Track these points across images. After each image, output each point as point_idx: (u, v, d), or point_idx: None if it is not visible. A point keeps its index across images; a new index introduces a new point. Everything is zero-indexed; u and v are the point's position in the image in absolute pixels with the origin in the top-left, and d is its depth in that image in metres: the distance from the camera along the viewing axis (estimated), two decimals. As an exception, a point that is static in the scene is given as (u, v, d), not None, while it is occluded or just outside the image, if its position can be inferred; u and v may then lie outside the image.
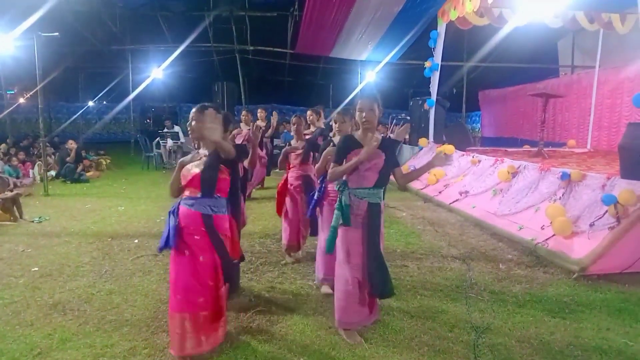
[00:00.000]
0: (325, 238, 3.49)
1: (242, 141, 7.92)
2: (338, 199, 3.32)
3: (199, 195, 2.97)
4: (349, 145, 3.24)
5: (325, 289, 4.05)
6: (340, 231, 3.26)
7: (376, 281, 3.15)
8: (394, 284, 4.19)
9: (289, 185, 5.05)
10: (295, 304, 3.89)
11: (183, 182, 3.02)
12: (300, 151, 4.99)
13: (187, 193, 3.02)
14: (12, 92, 19.75)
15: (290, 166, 5.12)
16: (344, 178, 3.31)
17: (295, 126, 5.12)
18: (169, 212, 3.04)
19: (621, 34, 9.87)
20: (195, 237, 2.95)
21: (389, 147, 3.28)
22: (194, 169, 2.99)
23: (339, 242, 3.28)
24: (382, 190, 3.31)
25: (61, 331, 3.34)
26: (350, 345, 3.17)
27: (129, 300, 3.92)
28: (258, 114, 9.34)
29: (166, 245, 2.98)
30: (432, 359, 3.01)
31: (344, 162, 3.22)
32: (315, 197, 4.11)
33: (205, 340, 2.95)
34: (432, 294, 4.11)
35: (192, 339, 2.91)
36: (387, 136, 3.59)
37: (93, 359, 2.98)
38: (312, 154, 5.04)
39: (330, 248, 3.39)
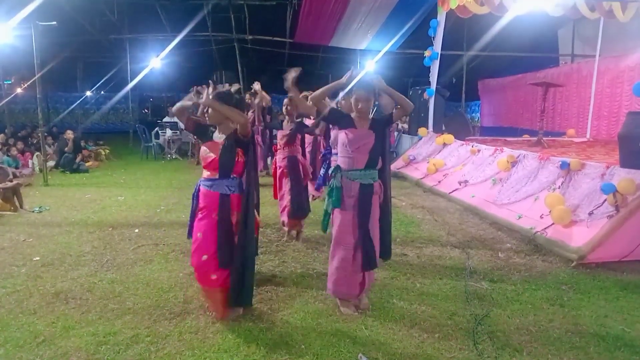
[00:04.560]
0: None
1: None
2: (330, 183, 3.53)
3: (217, 176, 3.23)
4: (344, 118, 3.49)
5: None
6: (334, 213, 3.48)
7: (364, 258, 3.39)
8: (394, 273, 4.27)
9: (277, 168, 5.19)
10: (296, 292, 3.91)
11: (203, 163, 3.29)
12: (287, 132, 5.06)
13: (206, 174, 3.29)
14: (10, 81, 19.66)
15: (277, 148, 5.17)
16: (337, 162, 3.52)
17: (285, 107, 5.12)
18: (192, 195, 3.39)
19: (622, 23, 9.82)
20: (213, 215, 3.20)
21: (378, 126, 3.45)
22: (213, 151, 3.22)
23: (334, 223, 3.50)
24: (375, 171, 3.46)
25: (64, 319, 3.37)
26: (350, 333, 3.20)
27: (130, 289, 3.94)
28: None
29: (189, 234, 3.37)
30: (432, 346, 3.04)
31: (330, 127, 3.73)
32: (322, 173, 4.25)
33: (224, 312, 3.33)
34: (431, 282, 4.14)
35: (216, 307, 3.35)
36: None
37: (96, 347, 3.01)
38: (299, 135, 5.19)
39: (325, 228, 3.66)
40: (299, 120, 5.18)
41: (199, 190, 3.32)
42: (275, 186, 5.38)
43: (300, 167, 5.15)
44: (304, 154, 5.42)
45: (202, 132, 3.40)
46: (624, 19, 9.58)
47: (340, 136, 3.48)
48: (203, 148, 3.30)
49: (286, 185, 5.15)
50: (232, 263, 3.21)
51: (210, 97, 3.16)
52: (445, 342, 3.08)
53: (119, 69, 17.60)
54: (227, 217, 3.22)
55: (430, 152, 9.97)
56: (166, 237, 5.49)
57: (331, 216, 3.54)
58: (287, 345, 3.05)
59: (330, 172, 3.59)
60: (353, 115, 3.49)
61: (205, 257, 3.20)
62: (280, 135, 5.16)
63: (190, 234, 3.38)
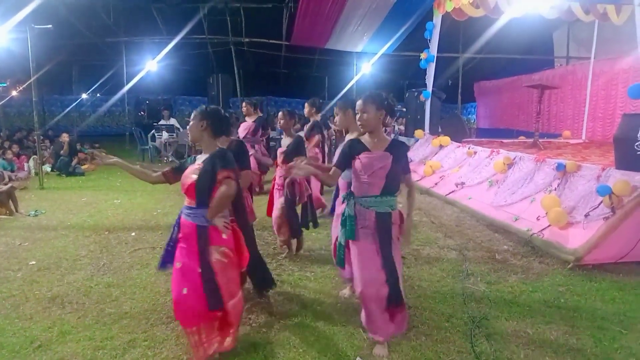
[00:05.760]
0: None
1: (246, 134, 7.88)
2: (342, 211, 3.10)
3: (194, 205, 2.80)
4: (354, 148, 3.02)
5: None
6: (351, 245, 3.03)
7: (390, 293, 2.91)
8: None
9: (275, 185, 4.99)
10: (293, 296, 3.91)
11: (182, 190, 2.87)
12: (284, 149, 4.86)
13: (186, 202, 2.87)
14: (5, 84, 19.58)
15: (277, 164, 5.05)
16: (350, 188, 3.11)
17: (281, 122, 4.96)
18: (175, 222, 2.95)
19: (616, 25, 9.87)
20: (194, 244, 2.79)
21: (397, 150, 2.99)
22: (191, 175, 2.81)
23: (353, 257, 3.03)
24: (393, 198, 3.00)
25: (60, 324, 3.35)
26: (348, 336, 3.20)
27: (127, 293, 3.93)
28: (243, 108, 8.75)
29: (162, 265, 2.97)
30: (430, 349, 3.04)
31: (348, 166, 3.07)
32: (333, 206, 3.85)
33: (203, 352, 2.80)
34: (429, 284, 4.15)
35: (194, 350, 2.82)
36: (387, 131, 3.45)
37: (93, 352, 2.99)
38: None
39: (340, 263, 3.22)
40: (297, 135, 5.00)
41: (180, 217, 2.90)
42: (270, 202, 5.09)
43: (297, 187, 4.78)
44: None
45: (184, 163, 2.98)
46: (618, 22, 9.62)
47: (355, 163, 3.00)
48: (185, 172, 2.88)
49: (275, 202, 4.92)
50: (221, 305, 2.76)
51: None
52: (443, 345, 3.09)
53: (115, 71, 17.53)
54: (205, 254, 2.74)
55: (427, 154, 9.98)
56: (163, 240, 5.46)
57: (345, 250, 3.12)
58: (285, 348, 3.05)
59: (342, 197, 3.19)
60: (364, 137, 3.07)
61: (185, 290, 2.72)
62: (279, 152, 4.93)
63: (161, 265, 2.98)
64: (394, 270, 2.92)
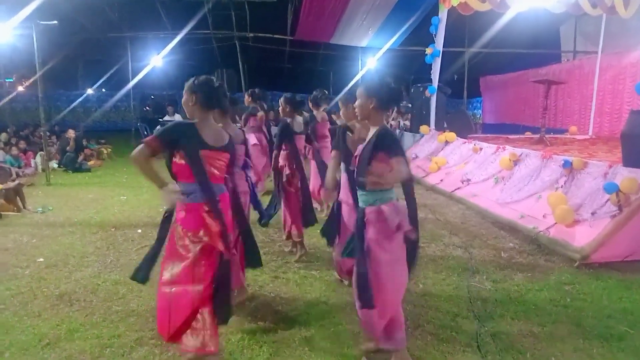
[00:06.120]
0: None
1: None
2: None
3: None
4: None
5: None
6: None
7: (362, 304, 2.64)
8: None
9: None
10: (299, 293, 3.92)
11: None
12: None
13: None
14: (11, 80, 19.67)
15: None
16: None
17: (280, 109, 4.95)
18: None
19: (624, 19, 9.77)
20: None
21: (373, 139, 2.67)
22: None
23: None
24: (363, 192, 2.74)
25: (68, 322, 3.38)
26: (354, 335, 3.20)
27: (134, 290, 3.95)
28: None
29: None
30: (436, 348, 3.04)
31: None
32: None
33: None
34: (434, 282, 4.15)
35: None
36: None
37: (100, 349, 3.02)
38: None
39: (344, 251, 3.13)
40: (283, 120, 4.80)
41: None
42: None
43: (283, 176, 4.60)
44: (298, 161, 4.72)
45: None
46: (626, 15, 9.52)
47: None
48: None
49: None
50: (143, 279, 2.72)
51: None
52: (448, 344, 3.09)
53: (120, 67, 17.57)
54: (165, 229, 2.68)
55: (432, 150, 9.95)
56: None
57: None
58: (291, 347, 3.05)
59: None
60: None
61: None
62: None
63: None
64: (364, 277, 2.58)
